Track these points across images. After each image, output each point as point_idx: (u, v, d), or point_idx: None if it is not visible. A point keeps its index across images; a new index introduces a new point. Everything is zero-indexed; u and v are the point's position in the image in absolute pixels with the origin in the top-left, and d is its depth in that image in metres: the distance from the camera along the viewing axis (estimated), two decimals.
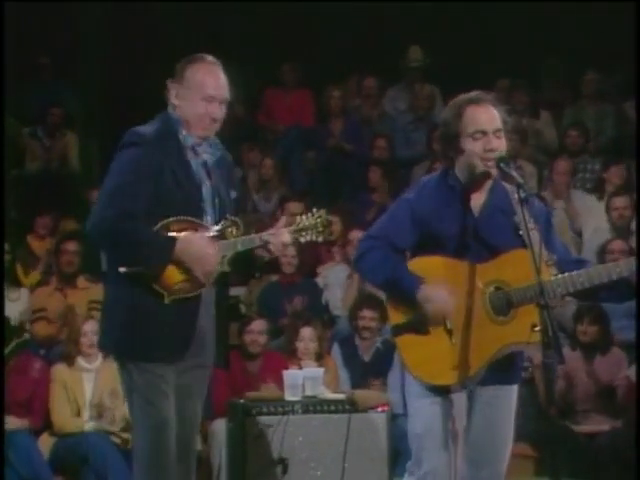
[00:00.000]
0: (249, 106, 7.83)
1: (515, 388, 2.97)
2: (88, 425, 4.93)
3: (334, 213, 6.26)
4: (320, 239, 3.06)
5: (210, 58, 3.03)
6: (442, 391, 2.89)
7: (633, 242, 5.71)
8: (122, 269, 2.91)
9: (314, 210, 3.06)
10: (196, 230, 2.96)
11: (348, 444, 3.89)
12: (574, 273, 2.84)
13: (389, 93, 7.75)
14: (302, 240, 3.05)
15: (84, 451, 4.78)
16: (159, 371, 2.93)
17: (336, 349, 5.24)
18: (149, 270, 2.92)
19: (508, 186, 2.92)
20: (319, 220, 3.03)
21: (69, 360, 5.01)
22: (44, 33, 7.55)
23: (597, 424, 5.04)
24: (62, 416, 4.94)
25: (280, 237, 3.00)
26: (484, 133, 2.86)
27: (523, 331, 2.81)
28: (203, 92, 2.97)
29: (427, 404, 2.90)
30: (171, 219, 2.95)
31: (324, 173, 7.38)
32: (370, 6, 7.73)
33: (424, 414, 2.91)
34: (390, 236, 2.91)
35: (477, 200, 2.94)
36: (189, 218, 2.96)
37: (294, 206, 6.27)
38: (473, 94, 2.92)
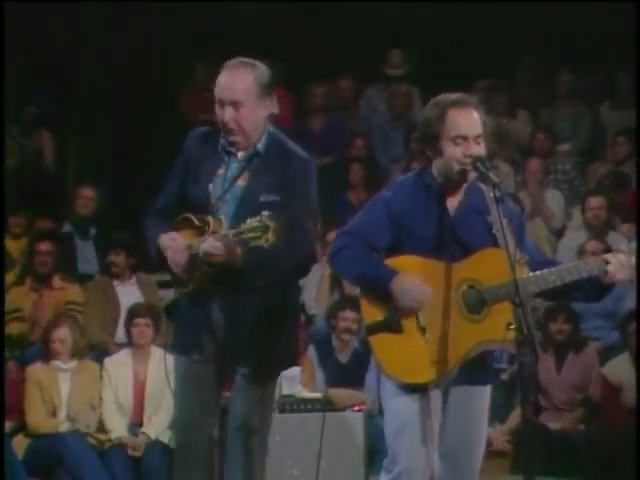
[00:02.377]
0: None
1: (488, 388, 2.98)
2: (63, 425, 4.90)
3: None
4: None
5: (232, 61, 3.07)
6: (417, 389, 2.90)
7: (609, 241, 5.76)
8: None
9: (264, 213, 2.89)
10: (188, 227, 3.01)
11: (324, 443, 3.89)
12: (545, 271, 2.85)
13: (367, 93, 7.77)
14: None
15: (59, 452, 4.75)
16: (185, 363, 3.03)
17: (312, 350, 5.21)
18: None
19: (484, 186, 2.93)
20: (258, 224, 2.87)
21: (45, 359, 4.99)
22: (21, 33, 7.51)
23: (572, 422, 5.07)
24: (37, 416, 4.91)
25: (205, 244, 2.92)
26: (465, 139, 2.87)
27: (497, 329, 2.82)
28: (216, 96, 3.03)
29: (401, 402, 2.90)
30: (179, 217, 3.04)
31: None
32: (350, 5, 7.75)
33: (398, 412, 2.92)
34: (366, 233, 2.92)
35: (453, 200, 2.96)
36: (190, 216, 3.01)
37: None
38: (456, 96, 2.92)
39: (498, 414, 2.99)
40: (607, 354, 5.33)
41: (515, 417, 4.99)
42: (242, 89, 2.99)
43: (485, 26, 7.69)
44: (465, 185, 2.95)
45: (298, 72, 7.54)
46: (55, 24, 7.56)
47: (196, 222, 2.99)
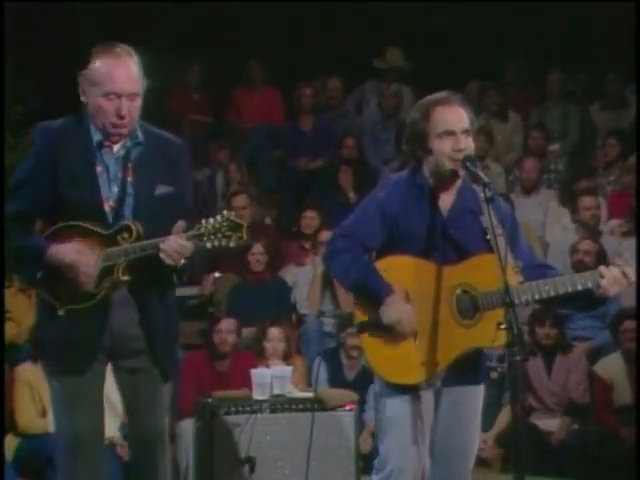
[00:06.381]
0: (218, 105, 7.82)
1: (481, 388, 2.99)
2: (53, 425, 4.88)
3: (311, 209, 6.33)
4: (231, 244, 2.77)
5: (118, 49, 2.85)
6: (407, 390, 2.90)
7: (603, 242, 5.77)
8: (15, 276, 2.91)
9: (224, 212, 2.78)
10: (86, 236, 2.82)
11: (315, 442, 3.89)
12: (540, 281, 2.87)
13: (363, 87, 7.77)
14: (209, 245, 2.78)
15: (49, 452, 4.71)
16: (73, 382, 2.87)
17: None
18: (27, 278, 2.88)
19: (476, 187, 2.94)
20: (225, 224, 2.74)
21: (34, 359, 4.96)
22: (10, 31, 7.48)
23: (563, 429, 5.06)
24: (27, 417, 4.88)
25: (171, 244, 2.76)
26: (452, 133, 2.88)
27: (487, 335, 2.83)
28: (104, 88, 2.81)
29: (392, 402, 2.91)
30: (62, 224, 2.83)
31: (293, 171, 7.38)
32: (339, 5, 7.76)
33: (389, 412, 2.92)
34: (360, 234, 2.92)
35: (446, 200, 2.96)
36: (81, 223, 2.82)
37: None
38: (441, 95, 2.93)
39: (486, 413, 3.00)
40: (597, 354, 5.34)
41: (502, 421, 5.01)
42: (138, 80, 2.83)
43: (475, 26, 7.71)
44: (457, 185, 2.96)
45: (288, 72, 7.57)
46: (45, 22, 7.54)
47: (100, 230, 2.81)
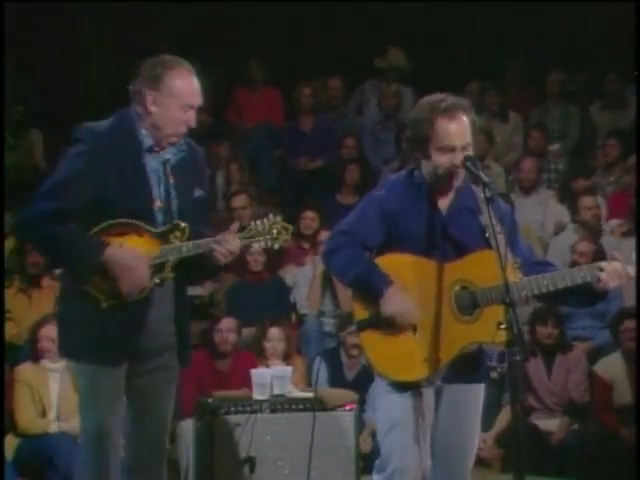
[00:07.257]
0: (218, 105, 7.82)
1: (482, 386, 3.00)
2: (54, 425, 4.89)
3: (310, 209, 6.35)
4: (276, 246, 3.01)
5: (187, 64, 3.01)
6: (408, 387, 2.91)
7: (603, 242, 5.78)
8: (56, 270, 2.97)
9: (270, 216, 3.01)
10: (138, 234, 2.92)
11: (315, 442, 3.89)
12: (539, 276, 2.87)
13: (363, 87, 7.78)
14: (256, 246, 3.03)
15: (49, 452, 4.73)
16: (104, 374, 2.91)
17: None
18: (75, 272, 2.92)
19: (475, 187, 2.94)
20: (274, 226, 2.98)
21: (34, 359, 4.97)
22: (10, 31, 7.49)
23: (563, 428, 5.07)
24: (27, 417, 4.89)
25: (227, 244, 2.93)
26: (452, 149, 2.88)
27: (488, 331, 2.83)
28: (183, 101, 2.96)
29: (393, 401, 2.92)
30: (111, 221, 2.91)
31: (293, 171, 7.39)
32: (339, 5, 7.76)
33: (390, 411, 2.93)
34: (360, 233, 2.93)
35: (445, 199, 2.97)
36: (131, 221, 2.91)
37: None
38: (447, 103, 2.89)
39: (486, 413, 3.01)
40: (597, 354, 5.35)
41: (502, 421, 5.01)
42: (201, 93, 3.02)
43: (475, 26, 7.71)
44: (456, 185, 2.96)
45: (288, 72, 7.57)
46: (45, 22, 7.55)
47: (151, 228, 2.92)
